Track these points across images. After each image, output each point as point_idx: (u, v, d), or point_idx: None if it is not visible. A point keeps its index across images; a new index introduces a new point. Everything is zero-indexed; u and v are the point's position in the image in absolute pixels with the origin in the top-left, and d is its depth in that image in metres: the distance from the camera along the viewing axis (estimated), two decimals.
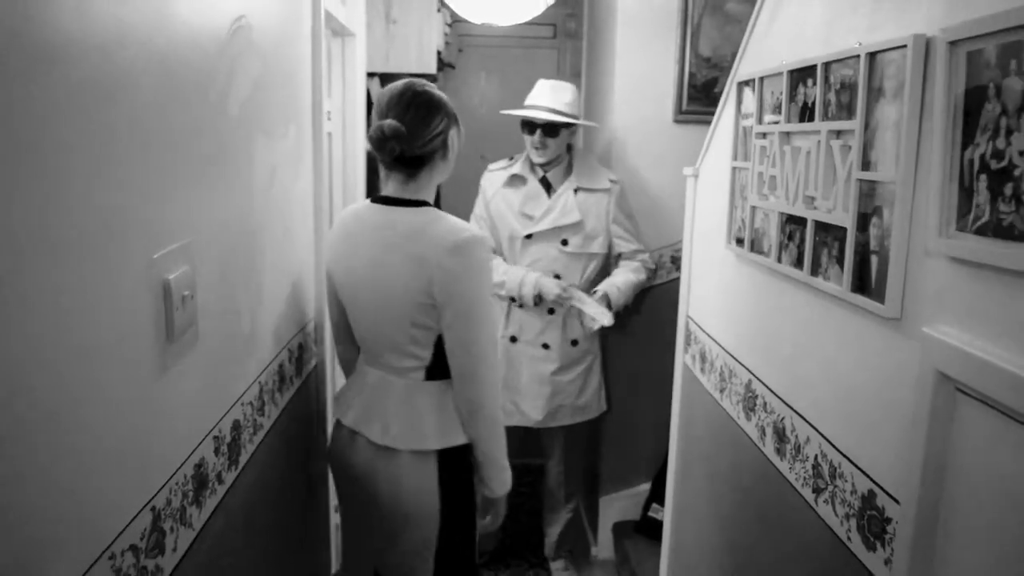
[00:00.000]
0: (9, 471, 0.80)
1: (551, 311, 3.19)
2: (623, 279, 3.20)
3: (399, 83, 1.86)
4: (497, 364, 1.89)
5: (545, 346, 3.21)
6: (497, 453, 1.90)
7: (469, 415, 1.85)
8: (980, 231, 1.03)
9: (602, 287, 3.17)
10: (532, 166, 3.24)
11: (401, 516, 1.88)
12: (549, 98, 3.15)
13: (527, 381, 3.22)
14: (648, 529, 3.49)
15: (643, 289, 3.45)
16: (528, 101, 3.21)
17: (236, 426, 1.52)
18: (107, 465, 1.01)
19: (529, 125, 3.14)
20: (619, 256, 3.30)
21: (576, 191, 3.17)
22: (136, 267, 1.07)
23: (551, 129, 3.11)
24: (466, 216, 3.01)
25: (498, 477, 1.93)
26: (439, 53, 3.65)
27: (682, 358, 2.64)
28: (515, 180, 3.23)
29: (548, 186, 3.21)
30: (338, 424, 2.01)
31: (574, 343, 3.24)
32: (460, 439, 1.87)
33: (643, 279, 3.26)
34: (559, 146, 3.16)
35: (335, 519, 2.93)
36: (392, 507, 1.88)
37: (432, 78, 3.71)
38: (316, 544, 2.36)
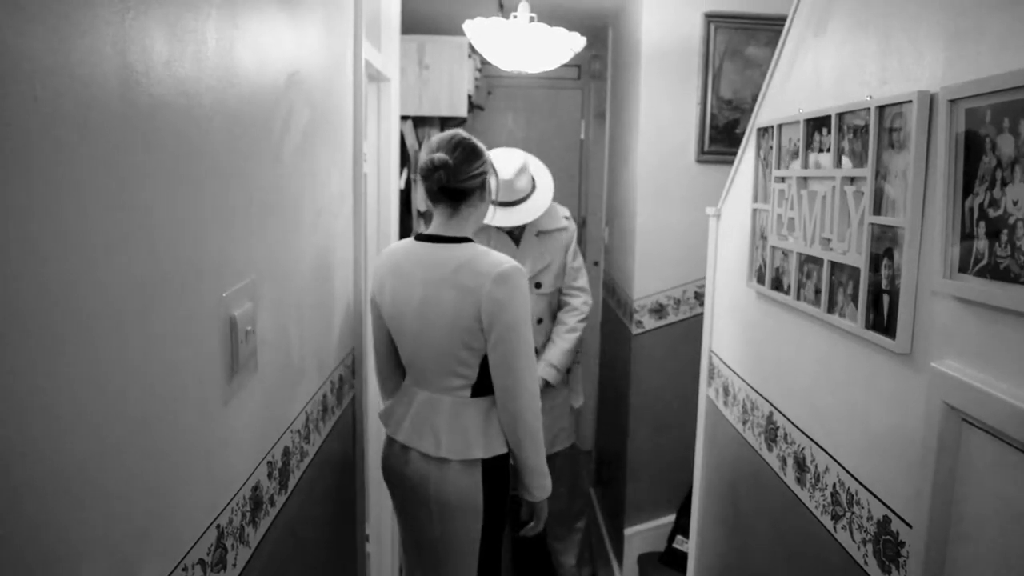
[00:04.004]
0: (100, 490, 0.90)
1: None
2: (556, 353, 3.23)
3: (448, 131, 2.13)
4: (535, 379, 2.08)
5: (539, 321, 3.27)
6: (536, 461, 2.11)
7: (511, 426, 2.07)
8: (980, 273, 1.12)
9: (540, 371, 3.18)
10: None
11: (451, 514, 2.09)
12: (512, 191, 3.11)
13: None
14: (673, 560, 3.54)
15: (667, 324, 3.54)
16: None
17: (286, 452, 1.62)
18: (182, 485, 1.11)
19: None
20: (560, 291, 3.34)
21: (537, 234, 3.24)
22: (209, 305, 1.18)
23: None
24: None
25: (538, 483, 2.15)
26: (469, 96, 3.78)
27: (705, 391, 2.71)
28: (481, 231, 3.25)
29: (511, 231, 3.25)
30: (390, 440, 2.23)
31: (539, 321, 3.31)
32: (502, 449, 2.11)
33: (576, 337, 3.27)
34: None
35: (368, 548, 3.01)
36: (443, 508, 2.09)
37: (462, 120, 3.84)
38: (351, 570, 2.44)
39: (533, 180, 3.22)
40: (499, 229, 3.24)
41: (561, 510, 3.56)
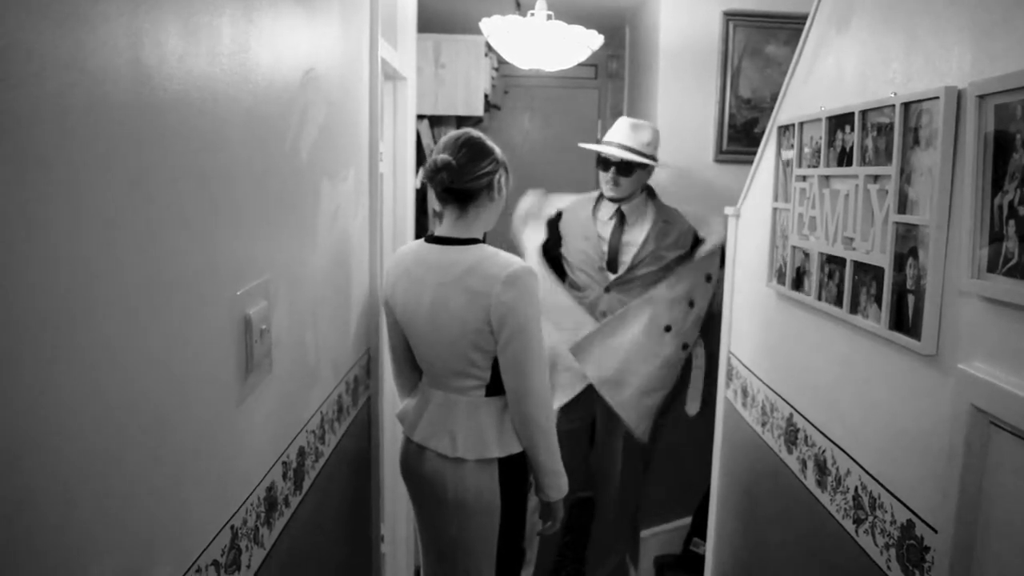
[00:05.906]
0: (112, 489, 0.89)
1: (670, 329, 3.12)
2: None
3: (457, 131, 2.10)
4: (546, 380, 2.06)
5: (667, 328, 3.10)
6: (550, 462, 2.09)
7: (523, 428, 2.05)
8: (1010, 273, 1.09)
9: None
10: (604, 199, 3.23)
11: (468, 513, 2.09)
12: (627, 136, 3.13)
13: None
14: (689, 563, 3.51)
15: None
16: (607, 137, 3.20)
17: (301, 452, 1.61)
18: (195, 485, 1.10)
19: (604, 161, 3.12)
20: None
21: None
22: (222, 303, 1.17)
23: (625, 168, 3.08)
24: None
25: (554, 483, 2.12)
26: (486, 95, 3.76)
27: (724, 393, 2.69)
28: (599, 203, 3.24)
29: (623, 218, 3.18)
30: (407, 440, 2.23)
31: (667, 328, 3.13)
32: (518, 447, 2.09)
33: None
34: (632, 184, 3.13)
35: (384, 548, 3.00)
36: (460, 507, 2.09)
37: (478, 119, 3.82)
38: (367, 571, 2.43)
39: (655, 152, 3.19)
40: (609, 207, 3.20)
41: (605, 553, 3.52)
